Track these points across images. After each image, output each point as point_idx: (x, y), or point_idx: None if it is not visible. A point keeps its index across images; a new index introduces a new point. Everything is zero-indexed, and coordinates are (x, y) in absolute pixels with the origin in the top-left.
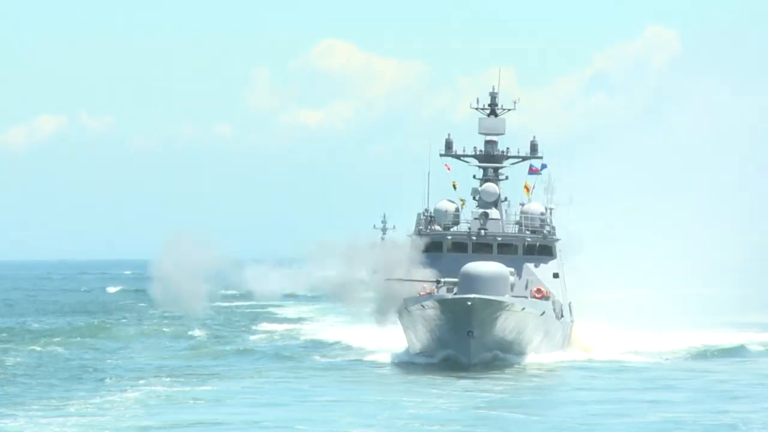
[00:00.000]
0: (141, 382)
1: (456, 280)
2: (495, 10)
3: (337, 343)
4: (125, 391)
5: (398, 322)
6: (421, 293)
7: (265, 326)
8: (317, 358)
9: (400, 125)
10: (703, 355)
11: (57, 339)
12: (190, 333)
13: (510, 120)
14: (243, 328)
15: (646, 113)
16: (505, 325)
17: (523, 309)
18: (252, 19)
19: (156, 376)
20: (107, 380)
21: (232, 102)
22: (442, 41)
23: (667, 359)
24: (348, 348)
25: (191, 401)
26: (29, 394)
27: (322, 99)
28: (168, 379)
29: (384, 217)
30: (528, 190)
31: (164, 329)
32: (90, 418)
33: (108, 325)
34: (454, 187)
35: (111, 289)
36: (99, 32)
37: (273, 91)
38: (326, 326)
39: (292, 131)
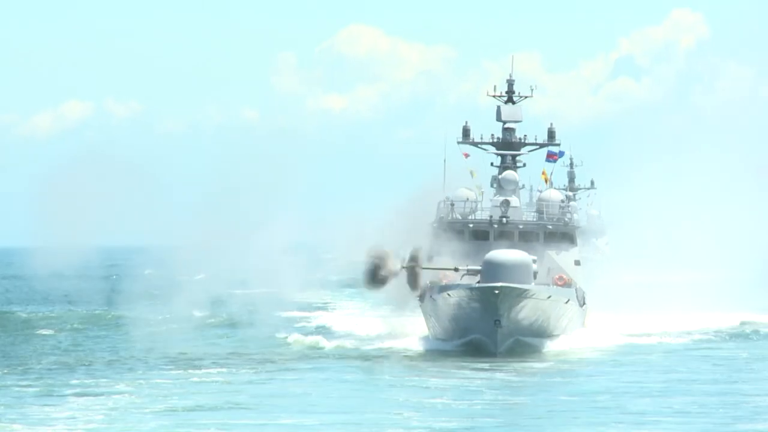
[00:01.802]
0: (171, 367)
1: (478, 268)
2: None
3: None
4: (157, 378)
5: (417, 309)
6: (444, 281)
7: (289, 313)
8: (343, 346)
9: (425, 110)
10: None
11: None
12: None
13: (534, 105)
14: (266, 316)
15: (673, 96)
16: (532, 313)
17: (549, 297)
18: (278, 4)
19: (193, 363)
20: (148, 365)
21: (258, 86)
22: (468, 26)
23: (694, 339)
24: (370, 336)
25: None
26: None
27: (348, 84)
28: (212, 366)
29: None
30: (546, 177)
31: (196, 314)
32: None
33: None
34: (472, 174)
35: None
36: (124, 17)
37: (299, 75)
38: (346, 313)
39: (318, 116)
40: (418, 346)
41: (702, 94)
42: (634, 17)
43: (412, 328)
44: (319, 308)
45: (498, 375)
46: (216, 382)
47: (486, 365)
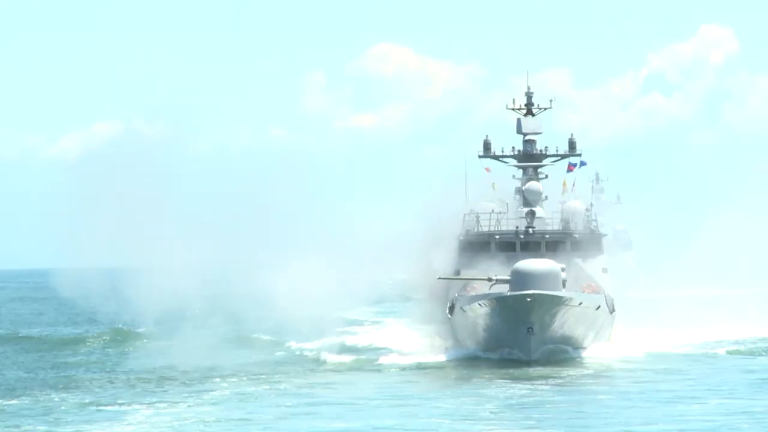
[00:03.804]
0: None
1: (507, 278)
2: (549, 11)
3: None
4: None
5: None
6: (471, 293)
7: (326, 328)
8: (375, 360)
9: (454, 129)
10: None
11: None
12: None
13: (563, 120)
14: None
15: (703, 112)
16: (564, 320)
17: (581, 303)
18: (306, 23)
19: (237, 378)
20: (190, 381)
21: (287, 106)
22: (498, 43)
23: (728, 350)
24: (402, 350)
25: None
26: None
27: (377, 102)
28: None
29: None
30: (566, 186)
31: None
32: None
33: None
34: (494, 187)
35: None
36: (152, 37)
37: (328, 95)
38: (378, 328)
39: (346, 135)
40: (450, 357)
41: (732, 110)
42: (664, 33)
43: (442, 341)
44: (352, 324)
45: (534, 382)
46: (267, 392)
47: (521, 373)
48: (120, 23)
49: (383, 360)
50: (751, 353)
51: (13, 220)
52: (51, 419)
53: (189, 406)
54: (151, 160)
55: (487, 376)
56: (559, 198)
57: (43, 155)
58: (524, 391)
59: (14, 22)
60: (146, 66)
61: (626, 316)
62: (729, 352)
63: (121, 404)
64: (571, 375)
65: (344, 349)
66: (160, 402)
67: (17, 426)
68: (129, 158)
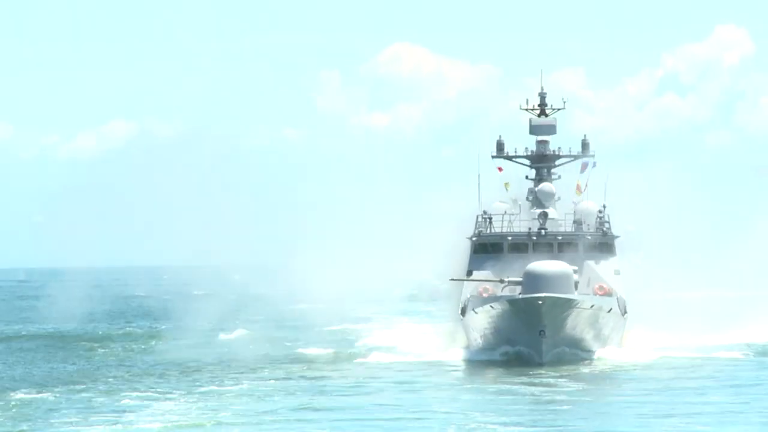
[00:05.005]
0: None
1: (519, 279)
2: (564, 11)
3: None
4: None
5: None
6: (483, 294)
7: (341, 326)
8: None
9: (469, 129)
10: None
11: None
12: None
13: (578, 121)
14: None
15: (718, 113)
16: (575, 323)
17: (592, 306)
18: (322, 22)
19: (260, 371)
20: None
21: (302, 106)
22: (513, 44)
23: (746, 354)
24: (414, 351)
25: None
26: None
27: (392, 102)
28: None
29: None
30: (579, 189)
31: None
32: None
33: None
34: (506, 188)
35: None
36: (166, 36)
37: (343, 94)
38: (391, 326)
39: (361, 135)
40: (462, 358)
41: (746, 111)
42: (679, 33)
43: (455, 341)
44: (372, 321)
45: (547, 382)
46: (286, 388)
47: (534, 373)
48: (135, 23)
49: (398, 358)
50: (765, 354)
51: (28, 219)
52: (80, 412)
53: (212, 398)
54: (169, 159)
55: (500, 375)
56: (574, 200)
57: (59, 154)
58: (538, 391)
59: (29, 22)
60: (160, 65)
61: (638, 318)
62: (743, 354)
63: (149, 396)
64: (583, 376)
65: (363, 346)
66: (187, 394)
67: (48, 418)
68: (145, 158)
